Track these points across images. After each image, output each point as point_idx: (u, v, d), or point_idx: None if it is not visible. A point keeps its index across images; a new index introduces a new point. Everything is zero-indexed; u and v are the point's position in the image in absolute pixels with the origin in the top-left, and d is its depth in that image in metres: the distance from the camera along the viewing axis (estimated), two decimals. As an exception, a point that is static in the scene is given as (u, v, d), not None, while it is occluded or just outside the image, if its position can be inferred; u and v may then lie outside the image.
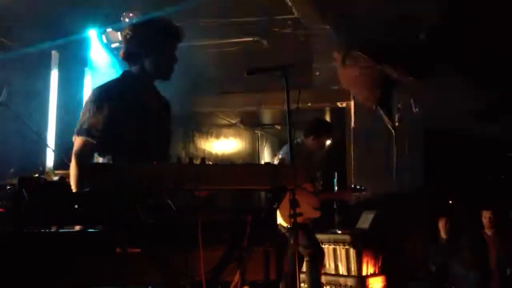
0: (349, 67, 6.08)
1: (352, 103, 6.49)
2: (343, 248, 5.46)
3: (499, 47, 5.83)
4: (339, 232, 5.58)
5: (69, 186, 2.01)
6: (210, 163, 2.51)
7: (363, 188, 5.67)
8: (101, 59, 6.70)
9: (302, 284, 5.11)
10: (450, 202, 8.33)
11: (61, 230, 1.92)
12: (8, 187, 4.04)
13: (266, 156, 9.24)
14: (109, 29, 6.54)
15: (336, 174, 6.03)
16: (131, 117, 2.69)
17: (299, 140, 5.26)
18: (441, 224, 6.39)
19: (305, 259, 4.92)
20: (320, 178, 5.63)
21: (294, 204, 2.23)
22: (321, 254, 5.01)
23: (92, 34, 6.55)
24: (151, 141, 2.73)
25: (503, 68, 5.89)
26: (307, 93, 6.59)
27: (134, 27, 2.80)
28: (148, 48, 2.76)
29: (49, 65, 5.94)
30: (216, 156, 8.53)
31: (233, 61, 6.34)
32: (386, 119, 6.26)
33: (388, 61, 5.92)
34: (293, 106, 2.75)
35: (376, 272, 5.63)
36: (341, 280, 5.46)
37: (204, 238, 1.87)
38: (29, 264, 1.81)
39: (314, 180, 5.35)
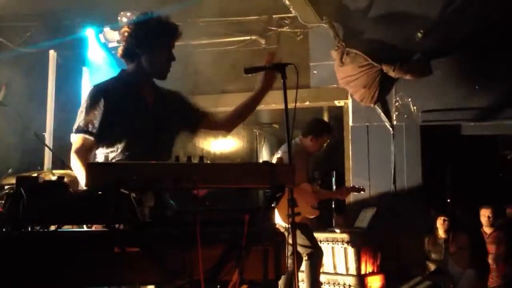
0: (346, 65, 6.08)
1: (349, 101, 6.48)
2: (341, 247, 5.46)
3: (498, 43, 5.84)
4: (338, 231, 5.58)
5: (68, 185, 2.01)
6: (208, 162, 2.52)
7: (361, 187, 5.68)
8: (99, 58, 6.69)
9: (301, 283, 5.11)
10: (448, 200, 8.35)
11: (59, 230, 1.92)
12: (7, 187, 4.05)
13: (264, 155, 9.24)
14: (106, 28, 6.53)
15: (334, 173, 6.04)
16: (126, 115, 2.70)
17: (297, 139, 5.26)
18: (440, 223, 6.39)
19: (303, 258, 4.92)
20: (318, 177, 5.64)
21: (292, 203, 2.23)
22: (319, 253, 5.01)
23: (89, 33, 6.54)
24: (147, 138, 2.72)
25: (501, 66, 5.89)
26: (304, 92, 6.58)
27: (131, 25, 2.81)
28: (144, 46, 2.76)
29: (47, 65, 5.93)
30: (215, 155, 8.53)
31: (231, 60, 6.34)
32: (383, 117, 6.26)
33: (385, 60, 5.91)
34: (292, 105, 2.75)
35: (375, 270, 5.64)
36: (340, 279, 5.47)
37: (203, 237, 1.87)
38: (27, 264, 1.81)
39: (312, 180, 5.36)
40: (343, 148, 6.51)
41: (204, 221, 1.91)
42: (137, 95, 2.80)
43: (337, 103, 6.68)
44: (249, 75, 2.82)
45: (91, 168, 1.96)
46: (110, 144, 2.69)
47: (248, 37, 6.67)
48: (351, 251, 5.43)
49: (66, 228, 1.98)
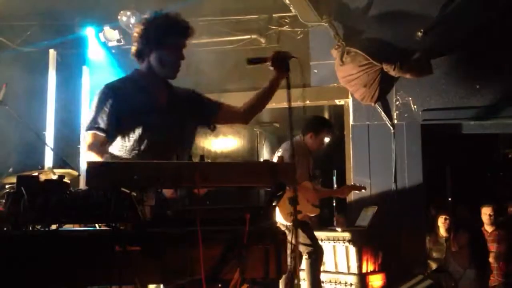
0: (347, 64, 6.08)
1: (350, 100, 6.48)
2: (343, 246, 5.46)
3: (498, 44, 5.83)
4: (339, 229, 5.58)
5: (68, 184, 2.00)
6: (209, 161, 2.51)
7: (363, 186, 5.68)
8: (99, 57, 6.70)
9: (301, 282, 5.11)
10: (450, 199, 8.35)
11: (60, 229, 1.92)
12: (7, 186, 4.05)
13: (265, 154, 9.23)
14: (106, 28, 6.53)
15: (335, 171, 6.03)
16: (137, 113, 2.70)
17: (298, 137, 5.26)
18: (441, 221, 6.39)
19: (304, 257, 4.92)
20: (319, 176, 5.63)
21: (294, 201, 2.23)
22: (320, 251, 5.01)
23: (89, 32, 6.55)
24: (160, 137, 2.71)
25: (502, 64, 5.89)
26: (305, 91, 6.58)
27: (141, 24, 2.81)
28: (152, 45, 2.77)
29: (47, 64, 5.94)
30: (215, 154, 8.53)
31: (231, 59, 6.34)
32: (384, 116, 6.25)
33: (386, 59, 5.91)
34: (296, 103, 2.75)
35: (376, 269, 5.63)
36: (341, 277, 5.46)
37: (204, 236, 1.87)
38: (28, 263, 1.81)
39: (313, 178, 5.35)
40: (344, 147, 6.51)
41: (205, 220, 1.91)
42: (149, 94, 2.80)
43: (338, 102, 6.67)
44: (251, 66, 2.82)
45: (92, 167, 1.95)
46: (120, 142, 2.70)
47: (248, 36, 6.67)
48: (352, 249, 5.42)
49: (67, 227, 1.98)
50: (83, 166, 5.58)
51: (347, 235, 5.47)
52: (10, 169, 4.77)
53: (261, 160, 6.58)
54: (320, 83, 6.62)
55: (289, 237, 2.17)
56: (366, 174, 6.22)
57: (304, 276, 5.00)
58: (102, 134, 2.67)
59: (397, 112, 6.27)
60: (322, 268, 5.13)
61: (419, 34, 5.93)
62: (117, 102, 2.69)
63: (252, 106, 2.99)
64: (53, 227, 1.91)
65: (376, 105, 6.26)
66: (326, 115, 7.70)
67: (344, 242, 5.45)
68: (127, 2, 6.44)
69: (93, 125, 2.68)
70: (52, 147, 5.37)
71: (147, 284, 2.10)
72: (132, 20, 6.37)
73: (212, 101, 3.01)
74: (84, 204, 1.89)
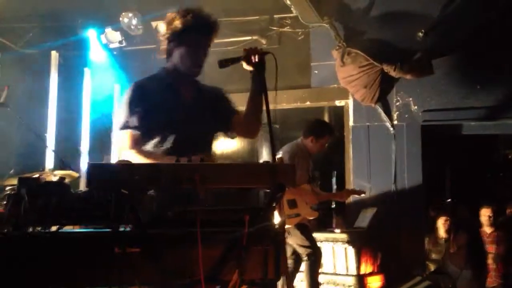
0: (347, 65, 6.08)
1: (350, 101, 6.49)
2: (341, 247, 5.46)
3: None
4: (338, 230, 5.58)
5: (69, 186, 2.02)
6: (209, 162, 2.53)
7: (362, 190, 5.68)
8: (101, 59, 6.71)
9: (300, 284, 5.12)
10: (449, 200, 8.35)
11: (60, 231, 1.93)
12: (8, 188, 4.07)
13: (265, 155, 9.23)
14: (108, 29, 6.54)
15: (334, 172, 6.03)
16: (163, 110, 2.70)
17: (298, 140, 5.27)
18: (441, 222, 6.39)
19: (303, 258, 4.93)
20: (318, 178, 5.64)
21: (289, 203, 2.24)
22: (319, 253, 5.02)
23: (91, 34, 6.56)
24: (183, 133, 2.70)
25: (503, 65, 5.89)
26: (305, 92, 6.59)
27: (166, 22, 2.80)
28: (175, 43, 2.78)
29: (49, 66, 5.95)
30: (215, 155, 8.52)
31: (232, 60, 6.34)
32: (384, 117, 6.26)
33: (386, 59, 5.92)
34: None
35: (375, 271, 5.63)
36: (340, 279, 5.46)
37: (203, 237, 1.88)
38: (28, 265, 1.83)
39: (312, 180, 5.36)
40: (344, 148, 6.52)
41: (205, 221, 1.93)
42: (175, 91, 2.80)
43: (338, 103, 6.68)
44: (224, 68, 2.71)
45: (92, 168, 1.97)
46: (148, 139, 2.71)
47: (249, 37, 6.68)
48: (351, 251, 5.42)
49: (67, 228, 1.99)
50: (83, 168, 5.60)
51: (346, 236, 5.47)
52: (11, 171, 4.79)
53: (261, 161, 6.58)
54: (320, 84, 6.63)
55: (288, 239, 2.18)
56: (366, 175, 6.23)
57: (302, 278, 5.01)
58: (136, 132, 2.66)
59: (397, 113, 6.28)
60: (320, 270, 5.13)
61: (420, 34, 5.93)
62: (145, 99, 2.70)
63: (246, 114, 2.86)
64: (54, 228, 1.92)
65: (377, 106, 6.26)
66: (326, 116, 7.70)
67: (343, 244, 5.45)
68: (129, 4, 6.46)
69: (126, 124, 2.68)
70: (53, 148, 5.39)
71: (147, 285, 2.11)
72: (134, 22, 6.39)
73: (232, 106, 2.97)
74: (84, 206, 1.91)
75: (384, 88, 6.13)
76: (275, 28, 6.71)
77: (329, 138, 5.30)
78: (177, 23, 2.74)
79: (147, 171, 1.98)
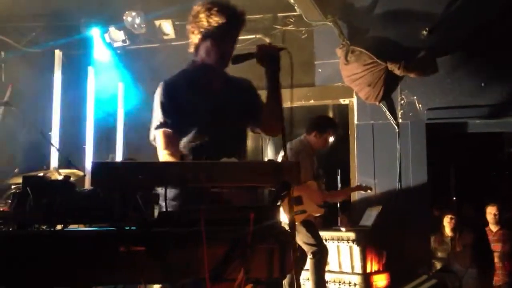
0: (351, 63, 6.07)
1: (354, 99, 6.48)
2: (347, 246, 5.46)
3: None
4: (343, 229, 5.58)
5: (74, 185, 2.02)
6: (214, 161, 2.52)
7: (368, 186, 5.68)
8: (104, 58, 6.72)
9: (306, 282, 5.11)
10: (454, 198, 8.33)
11: (65, 229, 1.93)
12: (13, 186, 4.07)
13: (269, 153, 9.23)
14: (112, 28, 6.55)
15: (339, 171, 6.03)
16: (193, 105, 2.68)
17: (302, 137, 5.26)
18: (447, 221, 6.38)
19: (308, 256, 4.92)
20: (323, 176, 5.63)
21: (295, 200, 2.23)
22: (325, 251, 5.01)
23: (95, 33, 6.56)
24: (214, 127, 2.67)
25: (508, 63, 5.87)
26: (309, 90, 6.58)
27: (191, 15, 2.76)
28: (201, 36, 2.73)
29: (52, 65, 5.95)
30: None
31: (236, 58, 6.34)
32: (389, 115, 6.25)
33: (390, 58, 5.90)
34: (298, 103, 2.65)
35: (380, 269, 5.63)
36: (345, 277, 5.46)
37: (208, 236, 1.87)
38: (33, 263, 1.83)
39: (317, 178, 5.35)
40: (348, 146, 6.51)
41: (210, 220, 1.92)
42: (204, 85, 2.77)
43: (342, 101, 6.67)
44: (239, 64, 2.65)
45: (97, 167, 1.97)
46: (182, 135, 2.68)
47: (253, 36, 6.66)
48: (356, 249, 5.42)
49: (72, 227, 1.99)
50: (88, 166, 5.60)
51: (351, 234, 5.46)
52: (16, 170, 4.80)
53: (266, 159, 6.58)
54: (324, 83, 6.62)
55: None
56: (370, 173, 6.22)
57: (308, 276, 5.00)
58: (169, 130, 2.64)
59: (401, 111, 6.27)
60: (326, 268, 5.12)
61: (424, 33, 5.92)
62: (175, 97, 2.68)
63: (266, 112, 2.77)
64: (59, 227, 1.92)
65: (381, 104, 6.25)
66: (331, 115, 7.69)
67: (348, 242, 5.45)
68: (132, 3, 6.46)
69: (160, 123, 2.65)
70: (58, 147, 5.39)
71: (152, 284, 2.11)
72: (137, 21, 6.39)
73: (260, 99, 2.89)
74: (89, 204, 1.90)
75: (388, 87, 6.12)
76: (278, 26, 6.70)
77: (333, 133, 5.28)
78: (203, 16, 2.69)
79: (152, 170, 1.98)
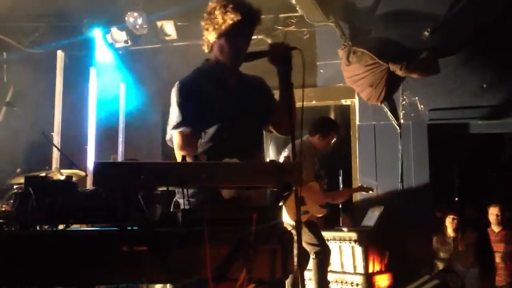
0: (353, 64, 6.07)
1: (356, 100, 6.48)
2: (349, 246, 5.45)
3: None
4: (345, 229, 5.58)
5: (76, 185, 2.02)
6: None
7: (370, 187, 5.67)
8: (106, 58, 6.73)
9: (308, 282, 5.11)
10: (456, 199, 8.31)
11: (67, 229, 1.93)
12: (15, 187, 4.08)
13: (271, 154, 9.23)
14: (113, 29, 6.56)
15: (341, 171, 6.03)
16: (209, 104, 2.66)
17: (304, 138, 5.26)
18: (449, 221, 6.37)
19: (311, 257, 4.92)
20: (325, 176, 5.63)
21: (299, 201, 2.22)
22: (327, 251, 5.01)
23: (97, 34, 6.57)
24: (231, 126, 2.66)
25: (510, 63, 5.86)
26: (311, 91, 6.58)
27: (206, 13, 2.75)
28: (216, 34, 2.71)
29: (54, 65, 5.97)
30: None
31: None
32: (390, 116, 6.24)
33: (392, 58, 5.89)
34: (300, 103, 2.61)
35: (383, 269, 5.63)
36: (347, 277, 5.46)
37: (210, 236, 1.87)
38: (36, 263, 1.83)
39: (319, 178, 5.36)
40: (350, 147, 6.50)
41: (212, 220, 1.92)
42: (218, 84, 2.75)
43: (344, 102, 6.67)
44: (251, 62, 2.63)
45: (99, 167, 1.97)
46: (200, 134, 2.66)
47: (255, 37, 6.61)
48: (358, 250, 5.42)
49: (74, 227, 1.99)
50: (90, 166, 5.61)
51: (353, 235, 5.46)
52: (18, 170, 4.80)
53: (267, 160, 6.58)
54: (326, 83, 6.62)
55: (296, 237, 2.17)
56: (372, 174, 6.21)
57: (311, 276, 5.00)
58: (188, 130, 2.62)
59: (403, 112, 6.26)
60: (328, 268, 5.12)
61: (426, 33, 5.91)
62: (191, 96, 2.66)
63: (279, 111, 2.74)
64: (61, 227, 1.92)
65: (383, 105, 6.25)
66: (332, 115, 7.70)
67: (350, 242, 5.45)
68: (134, 4, 6.47)
69: (177, 123, 2.63)
70: (60, 147, 5.40)
71: (154, 283, 2.10)
72: (139, 21, 6.40)
73: (274, 97, 2.86)
74: (91, 204, 1.90)
75: (390, 87, 6.11)
76: (280, 27, 6.70)
77: (336, 136, 5.30)
78: (218, 13, 2.67)
79: (154, 170, 1.98)
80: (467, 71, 6.01)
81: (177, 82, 2.73)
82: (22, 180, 3.23)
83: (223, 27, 2.67)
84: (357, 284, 5.38)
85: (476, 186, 8.01)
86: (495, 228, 6.33)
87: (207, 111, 2.64)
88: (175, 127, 2.64)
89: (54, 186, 1.96)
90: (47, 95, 5.99)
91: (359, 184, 6.05)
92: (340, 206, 5.95)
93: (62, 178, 3.97)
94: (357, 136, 6.43)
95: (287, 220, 4.39)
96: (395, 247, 5.72)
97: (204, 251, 1.84)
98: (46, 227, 1.91)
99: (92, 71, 6.40)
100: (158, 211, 1.97)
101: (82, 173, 4.80)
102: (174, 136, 2.65)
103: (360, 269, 5.42)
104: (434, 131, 6.15)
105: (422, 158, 6.09)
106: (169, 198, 2.06)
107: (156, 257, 1.88)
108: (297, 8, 6.05)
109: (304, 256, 4.99)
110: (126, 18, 6.40)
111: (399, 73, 5.91)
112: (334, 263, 5.48)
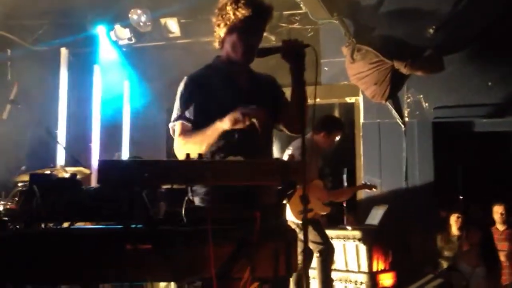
0: (357, 62, 6.05)
1: (360, 98, 6.46)
2: (353, 244, 5.45)
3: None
4: (349, 228, 5.57)
5: (80, 182, 2.02)
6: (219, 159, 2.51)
7: (373, 185, 5.66)
8: (110, 55, 6.73)
9: (312, 280, 5.11)
10: (461, 197, 8.28)
11: (72, 227, 1.93)
12: (20, 184, 4.08)
13: (275, 152, 9.24)
14: (117, 26, 6.56)
15: (345, 169, 6.02)
16: (219, 101, 2.63)
17: (308, 135, 5.24)
18: (453, 220, 6.35)
19: (315, 255, 4.92)
20: (328, 174, 5.63)
21: (305, 199, 2.21)
22: (331, 250, 5.01)
23: (101, 31, 6.58)
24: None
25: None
26: (316, 88, 6.56)
27: (217, 8, 2.71)
28: (227, 30, 2.68)
29: (59, 63, 5.97)
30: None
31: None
32: (395, 114, 6.23)
33: (397, 56, 5.88)
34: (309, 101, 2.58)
35: (387, 268, 5.62)
36: (352, 276, 5.45)
37: (214, 234, 1.87)
38: (40, 261, 1.83)
39: (323, 176, 5.35)
40: (354, 145, 6.49)
41: (216, 219, 1.92)
42: (229, 80, 2.72)
43: (348, 99, 6.66)
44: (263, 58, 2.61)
45: (103, 165, 1.96)
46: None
47: (259, 34, 6.66)
48: (362, 248, 5.41)
49: (79, 225, 1.99)
50: (95, 164, 5.62)
51: (357, 233, 5.45)
52: (23, 167, 4.81)
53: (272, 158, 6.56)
54: (330, 81, 6.60)
55: (300, 235, 2.16)
56: (376, 172, 6.20)
57: (314, 275, 4.99)
58: (188, 124, 2.61)
59: (408, 110, 6.25)
60: (332, 267, 5.12)
61: (431, 31, 5.89)
62: (199, 92, 2.65)
63: (290, 109, 2.72)
64: (65, 225, 1.92)
65: (387, 103, 6.23)
66: (337, 113, 7.68)
67: (354, 241, 5.44)
68: (138, 1, 6.47)
69: (179, 116, 2.63)
70: (64, 145, 5.40)
71: (158, 282, 2.10)
72: (143, 19, 6.40)
73: (284, 97, 2.83)
74: (96, 202, 1.90)
75: (394, 85, 6.09)
76: (284, 24, 6.69)
77: (340, 134, 5.29)
78: (229, 9, 2.64)
79: (158, 168, 1.97)
80: (472, 68, 5.98)
81: (185, 77, 2.72)
82: (26, 177, 3.23)
83: (234, 23, 2.64)
84: (361, 283, 5.38)
85: (481, 184, 7.98)
86: (499, 226, 6.31)
87: (216, 108, 2.59)
88: (176, 119, 2.64)
89: (59, 184, 1.95)
90: (51, 93, 6.00)
91: (363, 182, 6.04)
92: (344, 205, 5.93)
93: (67, 175, 3.98)
94: (361, 134, 6.42)
95: (291, 218, 4.38)
96: (399, 246, 5.72)
97: (208, 249, 1.84)
98: (50, 225, 1.91)
99: (96, 69, 6.40)
100: (163, 209, 1.97)
101: (87, 171, 4.80)
102: (174, 126, 2.65)
103: (364, 267, 5.42)
104: (439, 129, 6.14)
105: (427, 156, 6.08)
106: (173, 196, 2.06)
107: (160, 255, 1.87)
108: (301, 5, 6.04)
109: (308, 255, 4.98)
110: (129, 15, 6.40)
111: (404, 71, 5.90)
112: (338, 261, 5.48)
